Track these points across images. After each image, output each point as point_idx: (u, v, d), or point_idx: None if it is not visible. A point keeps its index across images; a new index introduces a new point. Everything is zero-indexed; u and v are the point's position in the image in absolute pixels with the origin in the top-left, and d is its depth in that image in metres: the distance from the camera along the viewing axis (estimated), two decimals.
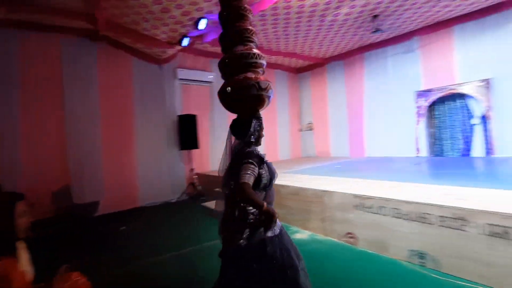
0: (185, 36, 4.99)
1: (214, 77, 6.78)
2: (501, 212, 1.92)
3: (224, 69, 1.74)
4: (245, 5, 1.76)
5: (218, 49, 6.22)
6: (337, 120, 7.75)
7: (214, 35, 5.10)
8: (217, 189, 5.03)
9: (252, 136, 1.60)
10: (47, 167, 4.59)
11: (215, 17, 4.51)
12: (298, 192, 3.54)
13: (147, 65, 5.86)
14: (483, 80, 5.25)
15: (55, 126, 4.73)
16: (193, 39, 5.28)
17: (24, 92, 4.46)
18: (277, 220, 1.46)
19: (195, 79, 6.51)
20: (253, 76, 1.63)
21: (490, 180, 3.50)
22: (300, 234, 3.35)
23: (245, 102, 1.66)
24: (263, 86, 1.62)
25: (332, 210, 3.08)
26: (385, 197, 2.59)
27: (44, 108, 4.65)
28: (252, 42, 1.73)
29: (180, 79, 6.30)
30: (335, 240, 3.04)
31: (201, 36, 5.26)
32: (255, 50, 1.69)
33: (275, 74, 8.28)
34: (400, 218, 2.48)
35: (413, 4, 4.70)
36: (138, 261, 2.88)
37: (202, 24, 4.44)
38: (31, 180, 4.37)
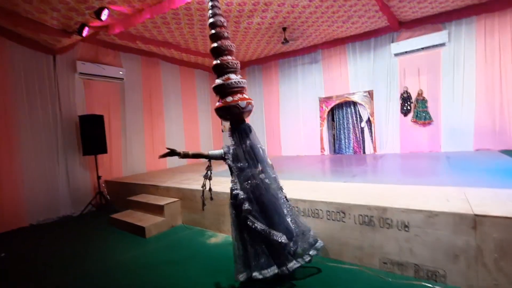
0: (84, 24, 4.36)
1: (124, 73, 6.17)
2: (367, 205, 2.40)
3: (216, 93, 2.46)
4: (226, 45, 2.40)
5: (128, 42, 5.78)
6: (256, 120, 8.17)
7: (121, 27, 4.64)
8: (128, 198, 4.64)
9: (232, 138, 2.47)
10: None
11: (120, 8, 4.11)
12: (213, 196, 3.58)
13: (35, 54, 4.88)
14: (366, 91, 6.42)
15: None
16: (96, 30, 4.68)
17: None
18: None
19: (101, 74, 5.76)
20: (233, 99, 2.34)
21: (369, 176, 4.32)
22: (214, 238, 3.42)
23: (231, 117, 2.43)
24: (242, 105, 2.34)
25: None
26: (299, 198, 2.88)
27: None
28: (231, 72, 2.39)
29: (81, 73, 5.46)
30: None
31: (106, 27, 4.70)
32: (233, 78, 2.36)
33: (195, 74, 8.12)
34: (299, 214, 2.80)
35: (314, 22, 5.34)
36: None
37: (104, 15, 3.96)
38: None
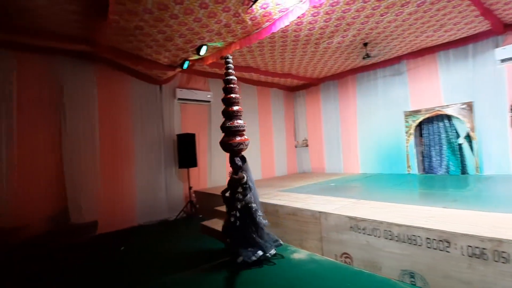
0: (186, 60, 5.22)
1: (212, 96, 7.01)
2: (478, 235, 2.13)
3: (223, 131, 3.44)
4: (236, 96, 3.41)
5: (216, 69, 6.60)
6: (331, 136, 8.04)
7: (213, 58, 5.36)
8: (216, 208, 5.16)
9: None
10: (42, 189, 4.61)
11: (214, 44, 4.78)
12: (295, 213, 3.71)
13: (147, 85, 6.04)
14: (464, 103, 5.62)
15: (51, 148, 4.76)
16: (193, 62, 5.53)
17: (20, 112, 4.49)
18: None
19: (194, 98, 6.71)
20: (238, 139, 3.32)
21: (474, 201, 3.74)
22: (298, 254, 3.48)
23: (234, 151, 3.34)
24: (234, 145, 3.29)
25: (328, 231, 3.25)
26: (378, 219, 2.78)
27: (41, 130, 4.68)
28: (237, 118, 3.38)
29: (179, 98, 6.49)
30: (333, 260, 3.19)
31: (201, 59, 5.51)
32: (238, 123, 3.35)
33: (271, 92, 8.58)
34: (392, 239, 2.66)
35: (400, 34, 5.07)
36: (144, 283, 2.96)
37: (203, 51, 4.68)
38: (26, 201, 4.41)
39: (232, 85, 3.41)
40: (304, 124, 8.93)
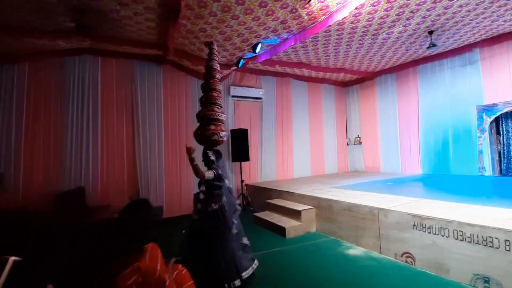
0: (241, 58, 5.49)
1: (263, 93, 7.21)
2: None
3: (198, 120, 3.01)
4: (214, 81, 3.01)
5: (268, 67, 6.75)
6: (388, 134, 7.55)
7: (266, 56, 5.52)
8: (268, 201, 5.33)
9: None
10: (120, 177, 5.37)
11: (269, 41, 4.93)
12: (351, 208, 3.64)
13: None
14: None
15: (126, 141, 5.48)
16: (247, 60, 5.77)
17: (104, 109, 5.29)
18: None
19: (246, 95, 7.00)
20: (215, 128, 2.87)
21: None
22: (353, 250, 3.43)
23: (208, 142, 2.90)
24: (222, 135, 2.90)
25: (388, 228, 3.13)
26: (447, 218, 2.59)
27: (119, 127, 5.44)
28: (215, 105, 2.96)
29: (233, 96, 6.83)
30: (391, 259, 3.07)
31: (254, 57, 5.72)
32: (215, 110, 2.93)
33: (321, 89, 8.44)
34: (463, 240, 2.46)
35: (472, 19, 4.55)
36: None
37: (258, 48, 4.87)
38: (108, 187, 5.19)
39: (213, 72, 3.05)
40: (357, 121, 8.56)
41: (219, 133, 2.87)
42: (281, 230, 4.15)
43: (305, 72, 7.35)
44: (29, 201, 4.27)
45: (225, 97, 6.75)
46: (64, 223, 3.88)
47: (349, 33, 4.87)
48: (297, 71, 7.25)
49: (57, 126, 4.97)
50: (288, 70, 7.13)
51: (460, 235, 2.48)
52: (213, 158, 2.76)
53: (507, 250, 2.18)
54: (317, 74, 7.58)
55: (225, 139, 2.97)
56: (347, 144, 8.79)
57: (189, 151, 2.58)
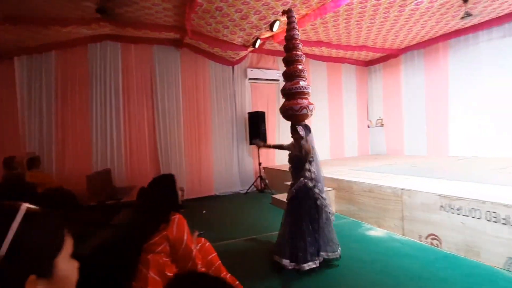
0: (258, 38, 5.31)
1: (280, 75, 7.01)
2: None
3: (283, 95, 2.92)
4: (297, 53, 2.85)
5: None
6: (413, 115, 7.15)
7: (283, 35, 5.31)
8: (285, 183, 5.29)
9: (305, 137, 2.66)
10: (143, 159, 5.53)
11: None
12: (372, 189, 3.52)
13: (222, 67, 6.43)
14: None
15: (147, 124, 5.61)
16: (264, 40, 5.59)
17: (125, 94, 5.41)
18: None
19: (263, 77, 6.85)
20: (303, 101, 2.74)
21: None
22: (374, 232, 3.34)
23: (295, 117, 2.77)
24: (295, 108, 2.73)
25: (413, 210, 3.00)
26: (479, 198, 2.42)
27: (140, 110, 5.56)
28: (300, 79, 2.81)
29: (250, 78, 6.71)
30: (416, 241, 2.96)
31: (272, 36, 5.52)
32: (301, 84, 2.78)
33: (342, 68, 8.08)
34: (496, 222, 2.30)
35: None
36: (220, 241, 3.31)
37: (276, 26, 4.67)
38: (132, 168, 5.37)
39: (295, 42, 2.85)
40: (379, 102, 8.16)
41: (307, 106, 2.74)
42: None
43: (325, 51, 7.03)
44: (62, 182, 4.52)
45: (241, 80, 6.65)
46: (95, 202, 4.10)
47: (373, 5, 4.53)
48: (316, 50, 6.95)
49: (83, 111, 5.19)
50: (306, 49, 6.84)
51: (494, 217, 2.31)
52: (302, 133, 2.60)
53: None
54: (337, 53, 7.23)
55: (313, 112, 2.81)
56: (368, 127, 8.46)
57: (258, 145, 3.18)
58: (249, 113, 6.48)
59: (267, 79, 6.90)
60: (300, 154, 2.57)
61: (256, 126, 6.28)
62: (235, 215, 4.53)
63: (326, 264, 2.50)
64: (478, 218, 2.42)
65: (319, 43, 6.31)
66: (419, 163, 5.47)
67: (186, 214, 4.68)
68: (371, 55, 7.70)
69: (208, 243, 1.77)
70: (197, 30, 5.03)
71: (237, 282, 1.70)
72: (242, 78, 6.70)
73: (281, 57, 6.91)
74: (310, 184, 2.54)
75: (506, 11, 5.13)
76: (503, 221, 2.26)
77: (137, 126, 5.56)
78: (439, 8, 4.79)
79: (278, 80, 7.01)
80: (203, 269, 1.58)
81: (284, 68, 2.95)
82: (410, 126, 7.24)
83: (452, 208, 2.60)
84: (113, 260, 1.41)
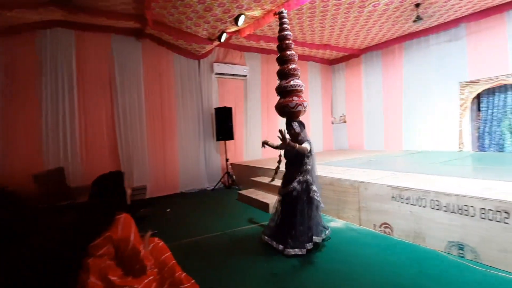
0: (223, 31, 5.22)
1: (248, 71, 6.99)
2: None
3: (278, 93, 3.09)
4: (290, 53, 3.03)
5: (253, 42, 6.50)
6: (372, 112, 7.58)
7: (250, 30, 5.27)
8: (252, 179, 5.31)
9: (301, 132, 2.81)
10: (101, 156, 5.16)
11: (253, 12, 4.68)
12: (332, 183, 3.65)
13: (187, 60, 6.22)
14: None
15: (106, 118, 5.24)
16: (230, 34, 5.51)
17: (80, 86, 4.97)
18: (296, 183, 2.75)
19: (230, 73, 6.76)
20: (298, 99, 2.92)
21: None
22: (334, 223, 3.48)
23: (291, 114, 2.93)
24: (291, 105, 2.88)
25: (368, 200, 3.17)
26: (424, 188, 2.63)
27: (97, 103, 5.16)
28: (294, 77, 2.98)
29: (217, 73, 6.58)
30: (371, 229, 3.14)
31: (238, 31, 5.46)
32: (296, 81, 2.95)
33: (307, 66, 8.27)
34: (439, 209, 2.51)
35: None
36: (184, 239, 3.23)
37: (241, 20, 4.62)
38: (89, 166, 4.98)
39: (287, 42, 3.06)
40: (342, 99, 8.53)
41: (302, 103, 2.92)
42: (264, 206, 4.15)
43: None
44: (7, 182, 4.06)
45: (208, 74, 6.51)
46: (45, 203, 3.75)
47: (335, 5, 4.68)
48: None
49: (31, 104, 4.65)
50: (273, 46, 6.88)
51: (437, 205, 2.52)
52: (298, 129, 2.76)
53: (482, 218, 2.24)
54: (303, 51, 7.39)
55: (306, 109, 3.00)
56: (332, 123, 8.81)
57: (265, 143, 3.00)
58: (215, 108, 6.36)
59: (234, 75, 6.82)
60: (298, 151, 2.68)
61: (223, 122, 6.19)
62: (201, 212, 4.43)
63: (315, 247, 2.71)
64: (424, 207, 2.62)
65: None
66: (376, 157, 5.82)
67: (149, 213, 4.50)
68: (334, 54, 7.98)
69: (161, 243, 1.69)
70: (159, 20, 4.80)
71: (193, 281, 1.65)
72: (208, 72, 6.55)
73: (249, 53, 7.12)
74: (309, 179, 2.72)
75: (453, 17, 5.61)
76: (444, 209, 2.47)
77: (94, 120, 5.16)
78: (394, 11, 5.10)
79: (245, 76, 6.98)
80: (155, 270, 1.51)
81: (278, 67, 3.13)
82: (369, 123, 7.68)
83: (402, 198, 2.80)
84: (51, 266, 1.28)
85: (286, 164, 2.94)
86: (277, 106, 3.03)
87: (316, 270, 2.37)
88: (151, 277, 1.42)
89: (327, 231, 2.87)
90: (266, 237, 2.88)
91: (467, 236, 2.33)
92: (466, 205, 2.33)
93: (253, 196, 4.57)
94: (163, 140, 5.90)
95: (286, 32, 3.08)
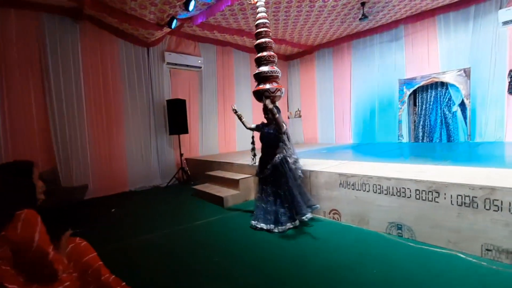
0: (174, 17, 4.90)
1: (203, 62, 6.73)
2: (469, 184, 2.12)
3: (256, 79, 3.29)
4: (267, 40, 3.20)
5: (207, 32, 6.25)
6: (324, 107, 7.92)
7: (203, 18, 5.05)
8: (207, 173, 5.12)
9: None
10: (31, 150, 4.48)
11: None
12: None
13: (134, 47, 5.73)
14: (461, 69, 5.52)
15: (36, 108, 4.56)
16: (182, 21, 5.21)
17: (2, 70, 4.24)
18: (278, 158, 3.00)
19: (184, 63, 6.42)
20: (275, 85, 3.15)
21: (465, 160, 3.76)
22: None
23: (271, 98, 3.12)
24: (272, 90, 3.11)
25: (319, 188, 3.24)
26: (368, 174, 2.76)
27: (27, 90, 4.48)
28: (274, 63, 3.22)
29: (168, 63, 6.20)
30: (320, 217, 3.22)
31: (190, 18, 5.19)
32: (273, 67, 3.17)
33: None
34: (381, 193, 2.66)
35: None
36: (134, 238, 2.96)
37: (192, 6, 4.37)
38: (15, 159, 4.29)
39: (263, 29, 3.21)
40: (298, 94, 8.76)
41: (281, 89, 3.16)
42: (219, 200, 4.03)
43: (247, 41, 7.06)
44: None
45: (159, 64, 6.10)
46: None
47: None
48: (238, 39, 6.91)
49: None
50: (228, 38, 6.75)
51: (379, 189, 2.67)
52: (275, 111, 2.89)
53: (417, 199, 2.42)
54: None
55: (281, 94, 3.20)
56: (288, 118, 9.00)
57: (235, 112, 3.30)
58: (167, 100, 6.00)
59: (188, 65, 6.50)
60: (276, 132, 2.97)
61: (176, 115, 5.85)
62: (153, 210, 4.13)
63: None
64: (367, 191, 2.76)
65: (240, 31, 6.27)
66: (327, 149, 6.08)
67: (92, 215, 4.04)
68: (290, 50, 8.13)
69: (84, 243, 1.46)
70: None
71: (123, 284, 1.46)
72: (159, 62, 6.13)
73: (204, 44, 6.85)
74: (290, 160, 2.99)
75: (394, 18, 6.08)
76: (385, 192, 2.63)
77: (21, 109, 4.44)
78: (342, 8, 5.33)
79: (200, 68, 6.71)
80: (74, 274, 1.29)
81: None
82: (322, 117, 8.02)
83: (348, 184, 2.91)
84: None
85: (262, 148, 3.13)
86: (255, 91, 3.18)
87: (269, 258, 2.33)
88: (67, 283, 1.20)
89: (313, 206, 3.05)
90: (257, 222, 2.95)
91: (404, 216, 2.51)
92: (403, 187, 2.50)
93: (208, 190, 4.41)
94: (108, 133, 5.36)
95: (262, 20, 3.21)
